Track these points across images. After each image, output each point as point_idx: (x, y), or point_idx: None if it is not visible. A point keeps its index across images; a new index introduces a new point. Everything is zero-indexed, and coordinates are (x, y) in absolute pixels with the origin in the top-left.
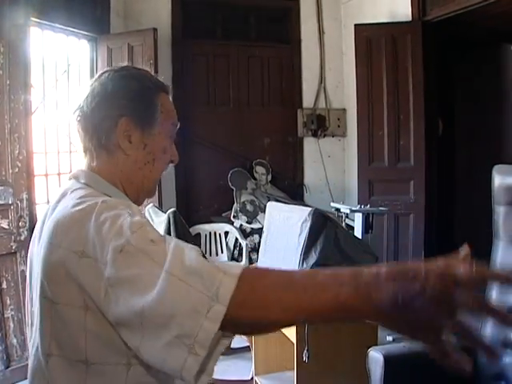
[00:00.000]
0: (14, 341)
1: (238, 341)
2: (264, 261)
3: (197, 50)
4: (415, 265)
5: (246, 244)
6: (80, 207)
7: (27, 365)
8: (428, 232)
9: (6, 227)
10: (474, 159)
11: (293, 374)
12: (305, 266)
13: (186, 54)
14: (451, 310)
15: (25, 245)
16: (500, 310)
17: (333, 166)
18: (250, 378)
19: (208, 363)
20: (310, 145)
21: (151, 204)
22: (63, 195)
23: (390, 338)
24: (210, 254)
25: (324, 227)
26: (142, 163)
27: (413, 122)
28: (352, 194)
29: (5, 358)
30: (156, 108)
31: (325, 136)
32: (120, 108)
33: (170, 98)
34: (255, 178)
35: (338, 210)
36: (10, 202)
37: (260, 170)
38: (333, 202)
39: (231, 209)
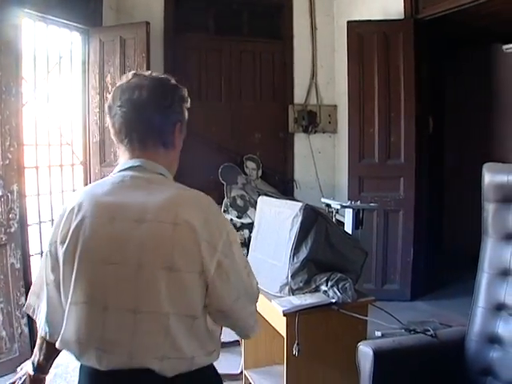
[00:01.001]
0: (3, 333)
1: (228, 335)
2: (255, 255)
3: (189, 44)
4: None
5: None
6: (196, 195)
7: (16, 357)
8: (417, 229)
9: None
10: (464, 157)
11: (282, 368)
12: (295, 260)
13: (178, 48)
14: None
15: (14, 237)
16: None
17: (323, 162)
18: (239, 371)
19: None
20: (300, 141)
21: None
22: (151, 183)
23: (378, 333)
24: None
25: (315, 222)
26: (178, 155)
27: (404, 120)
28: (342, 190)
29: None
30: (186, 112)
31: (315, 132)
32: (178, 115)
33: None
34: (246, 173)
35: (328, 205)
36: (1, 194)
37: (251, 165)
38: (323, 197)
39: (221, 203)
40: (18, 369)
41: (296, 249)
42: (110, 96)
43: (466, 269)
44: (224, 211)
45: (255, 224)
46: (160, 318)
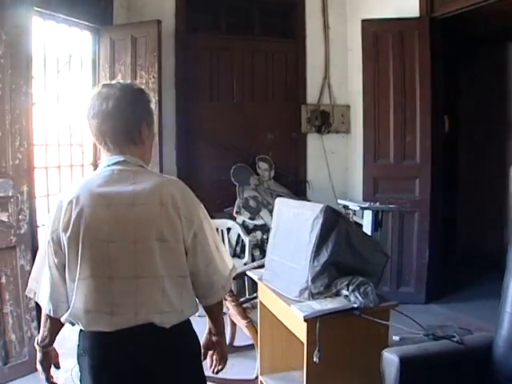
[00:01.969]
0: (13, 337)
1: (243, 339)
2: (272, 258)
3: (200, 44)
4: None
5: (250, 240)
6: (176, 181)
7: (26, 361)
8: (432, 230)
9: (6, 220)
10: (479, 157)
11: (300, 374)
12: (316, 263)
13: (189, 48)
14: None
15: (24, 238)
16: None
17: (336, 162)
18: (254, 377)
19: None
20: (313, 141)
21: None
22: (136, 173)
23: (396, 338)
24: None
25: (336, 224)
26: (150, 147)
27: (419, 119)
28: (355, 190)
29: (3, 354)
30: (152, 111)
31: (328, 132)
32: (141, 116)
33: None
34: (258, 174)
35: (345, 207)
36: (11, 195)
37: (263, 165)
38: (336, 198)
39: (233, 204)
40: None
41: (316, 252)
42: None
43: (480, 270)
44: (236, 212)
45: (272, 226)
46: (157, 281)
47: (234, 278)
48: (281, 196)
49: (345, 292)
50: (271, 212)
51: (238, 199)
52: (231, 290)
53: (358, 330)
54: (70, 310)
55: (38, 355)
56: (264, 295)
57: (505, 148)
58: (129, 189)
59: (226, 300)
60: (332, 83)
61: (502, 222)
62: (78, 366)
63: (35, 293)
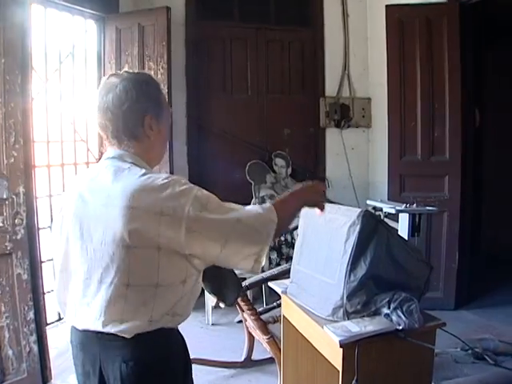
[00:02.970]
0: (10, 352)
1: (260, 352)
2: (299, 269)
3: (212, 33)
4: (300, 189)
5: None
6: (151, 179)
7: (25, 378)
8: (462, 232)
9: (1, 225)
10: (504, 154)
11: None
12: (352, 278)
13: (200, 37)
14: (315, 200)
15: (21, 244)
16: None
17: (356, 158)
18: None
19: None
20: (332, 136)
21: None
22: (119, 171)
23: None
24: None
25: (375, 232)
26: (158, 143)
27: (448, 112)
28: (377, 188)
29: None
30: (162, 103)
31: (349, 127)
32: (144, 109)
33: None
34: (274, 171)
35: (374, 208)
36: (5, 197)
37: (279, 162)
38: (356, 197)
39: (248, 203)
40: None
41: (353, 264)
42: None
43: (508, 273)
44: None
45: (299, 232)
46: (120, 288)
47: (249, 288)
48: None
49: (385, 310)
50: None
51: (253, 198)
52: (249, 301)
53: (400, 354)
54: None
55: None
56: (288, 310)
57: None
58: (107, 188)
59: (242, 311)
60: (351, 74)
61: None
62: None
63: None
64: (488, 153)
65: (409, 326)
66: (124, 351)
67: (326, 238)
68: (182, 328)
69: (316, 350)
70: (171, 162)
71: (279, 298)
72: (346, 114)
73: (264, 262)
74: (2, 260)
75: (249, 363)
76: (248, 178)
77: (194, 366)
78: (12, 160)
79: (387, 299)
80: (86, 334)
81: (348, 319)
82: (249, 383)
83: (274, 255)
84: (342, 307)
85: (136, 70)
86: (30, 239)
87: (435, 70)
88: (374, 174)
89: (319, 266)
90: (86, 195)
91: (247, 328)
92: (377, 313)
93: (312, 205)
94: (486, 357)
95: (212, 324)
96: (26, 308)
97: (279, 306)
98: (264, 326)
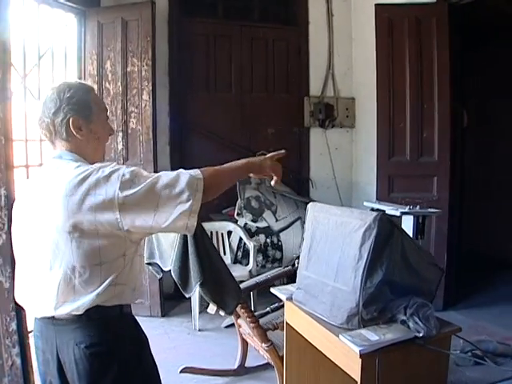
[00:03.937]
0: None
1: (252, 358)
2: (307, 275)
3: (196, 30)
4: (251, 158)
5: (254, 245)
6: (83, 169)
7: None
8: (450, 233)
9: None
10: (487, 155)
11: None
12: (368, 284)
13: (183, 33)
14: (261, 172)
15: (2, 251)
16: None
17: (340, 159)
18: None
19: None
20: (316, 136)
21: None
22: (59, 167)
23: None
24: None
25: (391, 236)
26: (92, 140)
27: (437, 113)
28: (361, 189)
29: None
30: (89, 104)
31: (333, 127)
32: (68, 112)
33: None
34: None
35: (372, 209)
36: None
37: None
38: (340, 198)
39: (232, 205)
40: None
41: (369, 270)
42: None
43: (490, 273)
44: (237, 214)
45: (306, 236)
46: (67, 272)
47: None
48: (284, 196)
49: (402, 317)
50: (275, 213)
51: (238, 199)
52: (248, 308)
53: (419, 361)
54: None
55: None
56: (294, 317)
57: None
58: (45, 185)
59: (237, 317)
60: (336, 74)
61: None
62: None
63: None
64: (471, 151)
65: (427, 333)
66: (76, 334)
67: (337, 242)
68: (168, 334)
69: (320, 357)
70: (155, 162)
71: (272, 302)
72: (330, 114)
73: (196, 220)
74: None
75: (242, 370)
76: None
77: (183, 376)
78: None
79: (404, 305)
80: (44, 321)
81: (363, 327)
82: None
83: (260, 257)
84: (357, 315)
85: (78, 80)
86: (11, 245)
87: (424, 70)
88: (357, 175)
89: (330, 272)
90: (34, 192)
91: (241, 334)
92: (392, 319)
93: (258, 173)
94: (487, 359)
95: (199, 329)
96: (8, 319)
97: (273, 311)
98: (264, 334)
